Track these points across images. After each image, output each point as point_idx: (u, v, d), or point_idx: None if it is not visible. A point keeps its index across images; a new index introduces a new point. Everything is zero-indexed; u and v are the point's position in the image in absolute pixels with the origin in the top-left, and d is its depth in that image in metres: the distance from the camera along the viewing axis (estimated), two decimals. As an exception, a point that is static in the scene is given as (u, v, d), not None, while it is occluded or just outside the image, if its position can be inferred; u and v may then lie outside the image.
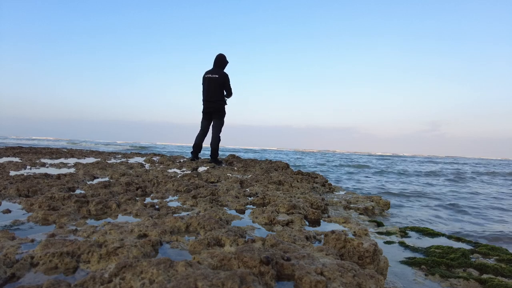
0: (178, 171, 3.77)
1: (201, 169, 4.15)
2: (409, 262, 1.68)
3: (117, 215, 1.56)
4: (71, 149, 9.16)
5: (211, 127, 5.11)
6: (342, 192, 3.80)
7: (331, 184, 4.15)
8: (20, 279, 0.81)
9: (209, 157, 5.16)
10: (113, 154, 7.19)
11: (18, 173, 2.92)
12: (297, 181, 3.35)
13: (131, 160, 5.14)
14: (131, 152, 8.72)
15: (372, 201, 3.73)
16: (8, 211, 1.51)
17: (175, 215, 1.50)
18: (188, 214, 1.57)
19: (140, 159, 5.52)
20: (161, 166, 4.25)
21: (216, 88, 4.86)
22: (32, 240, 1.06)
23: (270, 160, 6.60)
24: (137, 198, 1.87)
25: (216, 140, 5.01)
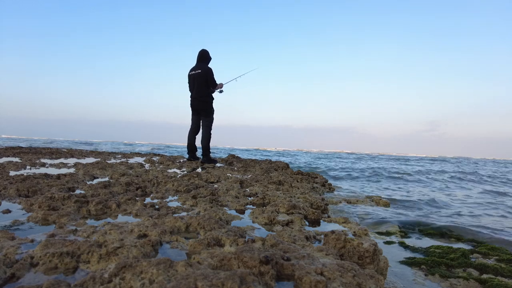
0: (178, 171, 3.77)
1: (201, 169, 4.15)
2: (409, 262, 1.68)
3: (117, 215, 1.56)
4: (71, 149, 9.16)
5: (201, 124, 5.13)
6: (342, 192, 3.80)
7: (331, 184, 4.15)
8: (20, 279, 0.81)
9: (201, 157, 5.17)
10: (113, 154, 7.19)
11: (18, 173, 2.92)
12: (297, 181, 3.35)
13: (131, 160, 5.14)
14: (130, 152, 8.72)
15: (372, 201, 3.73)
16: (8, 211, 1.51)
17: (175, 215, 1.50)
18: (188, 214, 1.57)
19: (140, 159, 5.52)
20: (161, 166, 4.25)
21: (201, 84, 4.88)
22: (32, 240, 1.06)
23: (270, 160, 6.60)
24: (137, 198, 1.87)
25: (206, 138, 5.02)
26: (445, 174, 9.97)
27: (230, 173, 3.75)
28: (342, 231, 1.23)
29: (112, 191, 2.05)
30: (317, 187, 3.35)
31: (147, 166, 4.24)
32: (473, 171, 12.12)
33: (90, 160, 4.95)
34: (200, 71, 4.86)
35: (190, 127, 5.19)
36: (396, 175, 8.45)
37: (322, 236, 1.34)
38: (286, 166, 5.25)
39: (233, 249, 1.07)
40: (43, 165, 3.79)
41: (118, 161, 4.85)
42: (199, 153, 5.38)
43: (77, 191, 2.11)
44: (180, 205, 1.87)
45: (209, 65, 5.04)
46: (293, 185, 2.91)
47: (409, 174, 9.14)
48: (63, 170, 3.35)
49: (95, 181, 2.62)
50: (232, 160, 6.20)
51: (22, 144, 13.10)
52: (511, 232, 2.76)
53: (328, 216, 1.92)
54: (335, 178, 7.27)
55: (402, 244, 2.05)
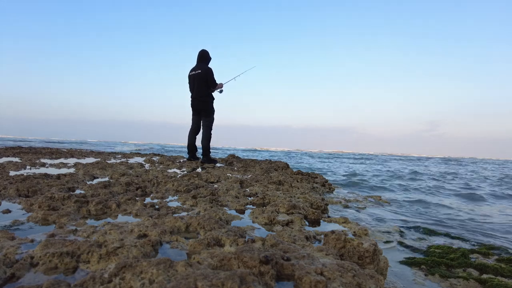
0: (178, 171, 3.77)
1: (200, 169, 4.15)
2: (409, 262, 1.68)
3: (117, 215, 1.56)
4: (71, 149, 9.16)
5: (201, 124, 5.13)
6: (342, 192, 3.80)
7: (331, 184, 4.15)
8: (20, 279, 0.81)
9: (201, 157, 5.17)
10: (113, 154, 7.19)
11: (18, 173, 2.92)
12: (297, 181, 3.34)
13: (131, 160, 5.14)
14: (130, 152, 8.73)
15: (372, 201, 3.73)
16: (8, 211, 1.51)
17: (175, 215, 1.50)
18: (188, 214, 1.57)
19: (140, 159, 5.52)
20: (161, 166, 4.25)
21: (201, 84, 4.89)
22: (32, 240, 1.06)
23: (270, 160, 6.60)
24: (137, 198, 1.87)
25: (206, 138, 5.02)
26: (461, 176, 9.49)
27: (230, 173, 3.75)
28: (342, 231, 1.23)
29: (112, 191, 2.05)
30: (317, 187, 3.34)
31: (147, 166, 4.24)
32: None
33: (90, 160, 4.95)
34: (200, 71, 4.86)
35: (190, 127, 5.20)
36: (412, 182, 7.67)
37: (322, 236, 1.34)
38: (286, 166, 5.25)
39: (233, 249, 1.07)
40: (43, 165, 3.79)
41: (118, 161, 4.85)
42: (199, 153, 5.39)
43: (77, 191, 2.11)
44: (180, 205, 1.87)
45: (209, 65, 5.04)
46: (293, 185, 2.91)
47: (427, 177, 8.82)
48: (63, 170, 3.34)
49: (95, 181, 2.62)
50: (232, 160, 6.20)
51: (10, 144, 12.98)
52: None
53: (328, 216, 1.92)
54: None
55: (402, 244, 2.05)
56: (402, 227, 2.63)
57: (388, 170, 11.26)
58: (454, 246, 1.99)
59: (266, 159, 7.11)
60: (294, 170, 4.83)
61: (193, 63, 5.06)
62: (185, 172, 3.66)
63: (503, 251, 1.95)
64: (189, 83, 5.03)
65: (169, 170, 3.77)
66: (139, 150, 16.34)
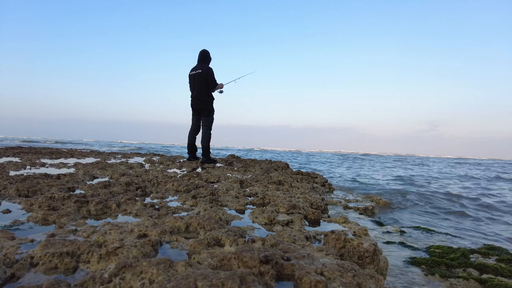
0: (178, 171, 3.77)
1: (200, 169, 4.15)
2: (409, 262, 1.68)
3: (117, 215, 1.56)
4: (71, 149, 9.16)
5: (201, 124, 5.13)
6: (342, 192, 3.79)
7: (331, 184, 4.15)
8: (20, 279, 0.81)
9: (201, 156, 5.17)
10: (113, 154, 7.19)
11: (18, 173, 2.92)
12: (297, 181, 3.34)
13: (131, 160, 5.14)
14: (130, 152, 8.73)
15: (372, 201, 3.73)
16: (8, 211, 1.51)
17: (175, 215, 1.50)
18: (188, 214, 1.57)
19: (140, 159, 5.52)
20: (161, 166, 4.25)
21: (202, 84, 4.89)
22: (32, 240, 1.06)
23: (270, 160, 6.60)
24: (137, 198, 1.87)
25: (206, 138, 5.03)
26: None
27: (230, 173, 3.75)
28: (342, 231, 1.23)
29: (112, 191, 2.05)
30: (317, 187, 3.34)
31: (147, 166, 4.24)
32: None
33: (90, 160, 4.95)
34: (200, 71, 4.87)
35: (190, 127, 5.20)
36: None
37: (322, 236, 1.34)
38: (286, 166, 5.25)
39: (233, 249, 1.07)
40: (43, 165, 3.79)
41: (118, 161, 4.85)
42: (199, 153, 5.39)
43: (77, 191, 2.11)
44: (180, 205, 1.87)
45: (210, 65, 5.05)
46: (293, 185, 2.91)
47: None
48: (63, 170, 3.34)
49: (95, 181, 2.62)
50: (232, 160, 6.20)
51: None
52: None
53: (328, 216, 1.92)
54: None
55: (402, 244, 2.05)
56: (402, 227, 2.63)
57: (389, 171, 11.27)
58: (454, 246, 1.99)
59: (266, 159, 7.11)
60: (294, 170, 4.83)
61: (193, 63, 5.06)
62: (185, 172, 3.66)
63: (503, 251, 1.95)
64: (190, 82, 5.04)
65: (169, 170, 3.77)
66: (124, 150, 16.10)
